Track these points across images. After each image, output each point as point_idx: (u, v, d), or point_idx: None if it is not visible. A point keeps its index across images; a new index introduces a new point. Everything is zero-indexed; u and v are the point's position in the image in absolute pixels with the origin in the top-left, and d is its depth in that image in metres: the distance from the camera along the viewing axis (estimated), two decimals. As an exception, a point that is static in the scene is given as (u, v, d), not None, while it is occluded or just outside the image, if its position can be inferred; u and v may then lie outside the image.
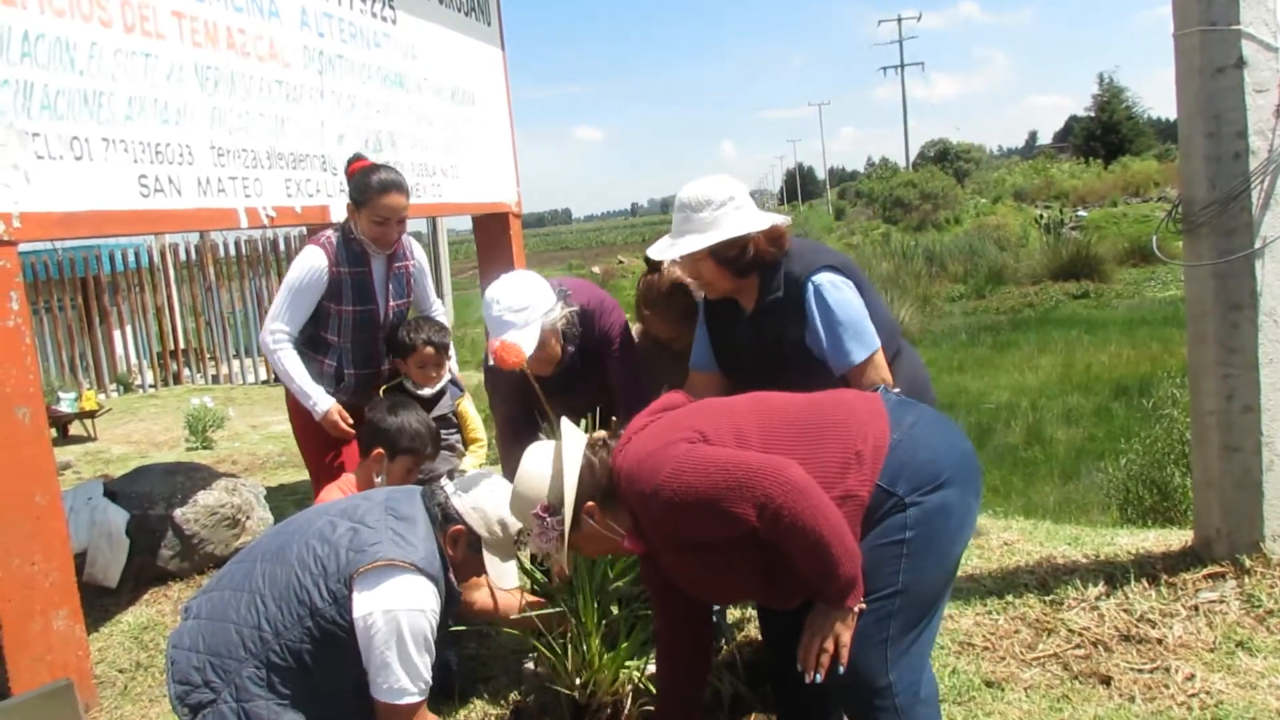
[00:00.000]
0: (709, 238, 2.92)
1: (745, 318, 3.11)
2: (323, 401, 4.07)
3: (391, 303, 4.29)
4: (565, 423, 2.56)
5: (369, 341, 4.25)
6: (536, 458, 2.52)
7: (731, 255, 2.97)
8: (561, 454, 2.46)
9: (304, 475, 4.39)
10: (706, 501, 2.20)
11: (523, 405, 3.67)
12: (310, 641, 2.49)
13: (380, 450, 3.48)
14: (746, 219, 2.95)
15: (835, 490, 2.25)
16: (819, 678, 2.27)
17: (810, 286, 2.96)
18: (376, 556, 2.52)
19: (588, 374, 3.56)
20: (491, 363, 3.29)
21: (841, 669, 2.26)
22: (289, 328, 4.04)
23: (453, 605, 2.75)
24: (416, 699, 2.52)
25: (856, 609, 2.26)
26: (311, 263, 4.04)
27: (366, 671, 2.50)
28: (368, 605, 2.48)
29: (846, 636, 2.26)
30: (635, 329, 3.79)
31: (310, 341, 4.16)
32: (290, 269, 4.09)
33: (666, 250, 3.03)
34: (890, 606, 2.29)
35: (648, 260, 3.57)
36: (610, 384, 3.65)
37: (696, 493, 2.20)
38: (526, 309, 3.28)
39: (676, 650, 2.76)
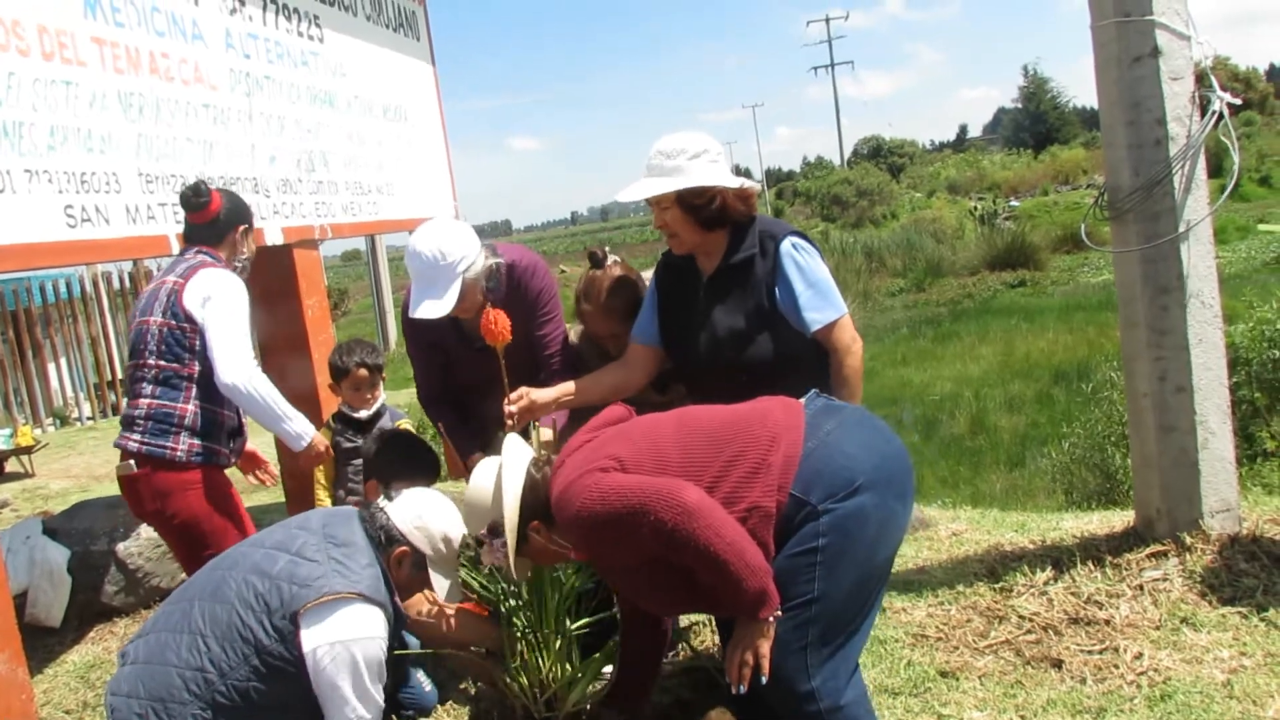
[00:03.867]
0: (677, 182, 2.96)
1: (703, 282, 3.13)
2: (309, 429, 3.58)
3: None
4: (510, 439, 2.55)
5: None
6: (484, 475, 2.52)
7: (698, 204, 3.00)
8: (495, 479, 2.48)
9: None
10: (609, 529, 2.25)
11: (441, 365, 3.66)
12: (258, 679, 2.45)
13: (375, 482, 3.45)
14: (718, 173, 3.00)
15: (742, 503, 2.27)
16: (743, 689, 2.28)
17: (788, 243, 3.04)
18: (322, 591, 2.47)
19: (517, 337, 3.34)
20: (412, 314, 3.23)
21: (763, 679, 2.27)
22: (254, 357, 3.49)
23: (400, 625, 2.72)
24: None
25: (771, 619, 2.27)
26: (241, 289, 3.55)
27: (320, 705, 2.48)
28: (317, 639, 2.45)
29: (765, 647, 2.27)
30: (574, 330, 3.76)
31: (206, 388, 3.50)
32: (230, 294, 3.50)
33: (631, 192, 3.04)
34: (806, 614, 2.30)
35: (592, 257, 3.57)
36: (536, 346, 3.58)
37: (600, 521, 2.24)
38: (449, 264, 3.23)
39: (637, 632, 2.84)
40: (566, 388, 3.30)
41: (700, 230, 3.06)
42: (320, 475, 4.16)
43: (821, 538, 2.28)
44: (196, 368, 3.47)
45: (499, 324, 3.09)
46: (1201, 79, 3.71)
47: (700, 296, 3.12)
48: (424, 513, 2.75)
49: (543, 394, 3.23)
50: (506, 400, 3.15)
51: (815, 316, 2.99)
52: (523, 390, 3.19)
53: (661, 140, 3.03)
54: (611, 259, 3.57)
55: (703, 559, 2.16)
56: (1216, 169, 3.88)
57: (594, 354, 3.66)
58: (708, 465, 2.32)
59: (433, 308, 3.20)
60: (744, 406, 2.54)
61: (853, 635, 2.39)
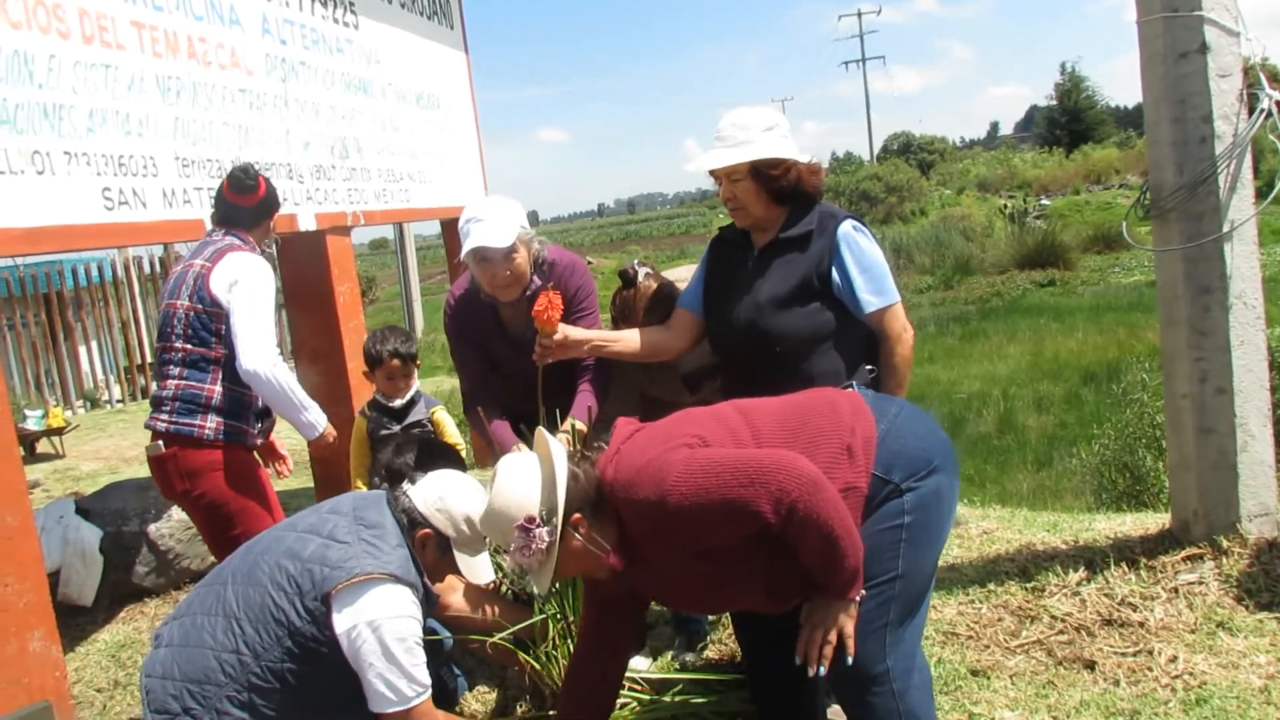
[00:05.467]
0: (752, 151, 2.94)
1: (755, 253, 3.11)
2: (322, 418, 3.64)
3: None
4: (541, 432, 2.46)
5: None
6: (516, 471, 2.37)
7: (773, 174, 2.97)
8: (549, 462, 2.35)
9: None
10: (720, 501, 2.15)
11: (484, 363, 3.63)
12: (292, 660, 2.46)
13: None
14: (790, 147, 2.98)
15: (837, 484, 2.25)
16: (823, 670, 2.26)
17: (848, 225, 3.02)
18: (353, 572, 2.47)
19: None
20: (471, 245, 3.25)
21: (849, 659, 2.26)
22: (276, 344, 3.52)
23: (430, 608, 2.71)
24: (417, 702, 2.49)
25: (857, 599, 2.27)
26: (268, 274, 3.58)
27: (361, 684, 2.47)
28: (350, 620, 2.45)
29: (850, 627, 2.26)
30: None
31: (232, 371, 3.50)
32: (257, 280, 3.52)
33: (706, 161, 3.01)
34: (890, 591, 2.31)
35: (623, 275, 3.52)
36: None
37: (708, 494, 2.15)
38: (508, 209, 3.30)
39: (591, 670, 2.66)
40: (604, 332, 3.33)
41: (769, 203, 3.04)
42: (355, 463, 4.17)
43: (906, 515, 2.32)
44: (223, 351, 3.49)
45: (552, 306, 3.10)
46: (1249, 76, 3.66)
47: (749, 266, 3.10)
48: (445, 494, 2.72)
49: (579, 332, 3.24)
50: (541, 334, 3.16)
51: (870, 299, 2.97)
52: (559, 325, 3.18)
53: (732, 113, 3.01)
54: (643, 272, 3.49)
55: (818, 533, 2.14)
56: (1255, 170, 3.82)
57: (633, 365, 3.59)
58: (787, 448, 2.28)
59: (491, 237, 3.22)
60: (801, 396, 2.53)
61: (917, 616, 2.41)
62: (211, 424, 3.49)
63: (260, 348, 3.40)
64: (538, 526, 2.28)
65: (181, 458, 3.50)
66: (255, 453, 3.76)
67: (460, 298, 3.56)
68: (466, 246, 3.26)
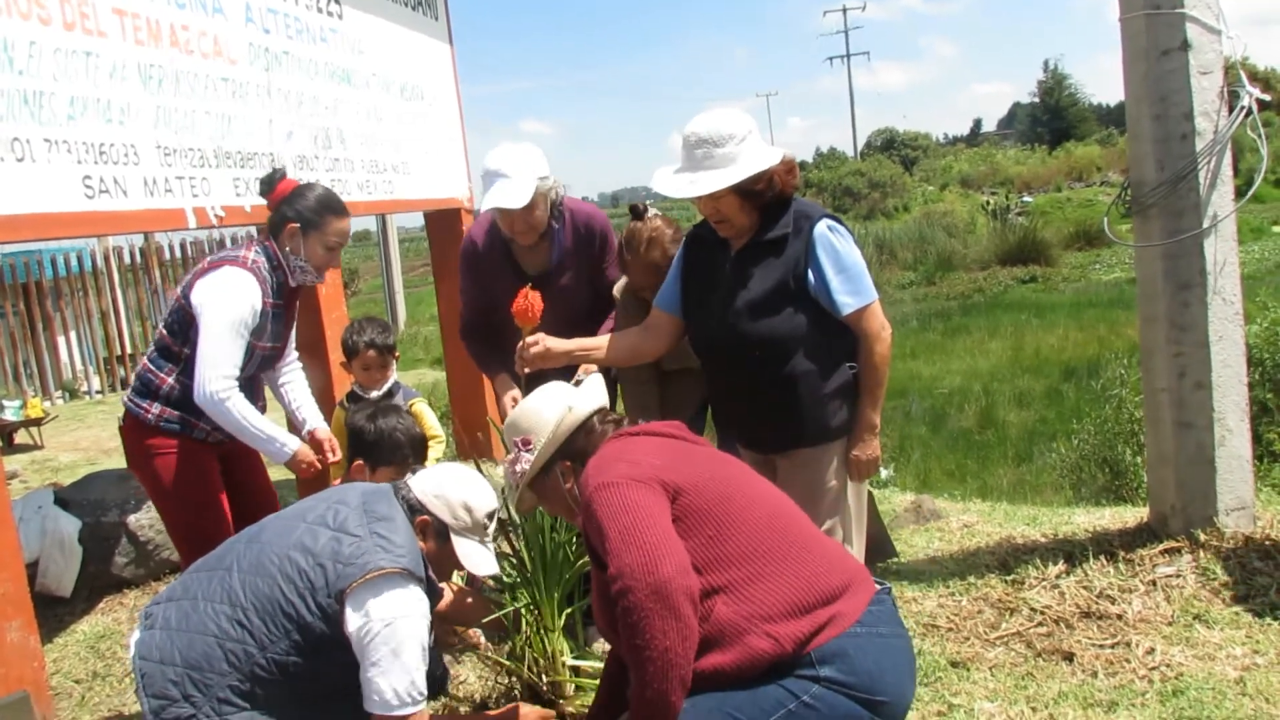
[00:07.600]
0: (735, 173, 2.88)
1: (731, 255, 3.10)
2: (290, 442, 3.45)
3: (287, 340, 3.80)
4: (595, 379, 2.58)
5: (253, 380, 3.60)
6: (549, 397, 2.49)
7: (758, 189, 2.94)
8: (566, 401, 2.45)
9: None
10: (598, 537, 2.13)
11: (486, 306, 3.80)
12: (298, 653, 2.43)
13: (360, 462, 3.38)
14: (764, 152, 2.94)
15: (770, 626, 2.08)
16: None
17: (824, 225, 2.99)
18: (367, 568, 2.44)
19: (578, 279, 3.76)
20: (487, 205, 3.48)
21: None
22: (235, 372, 3.32)
23: (435, 601, 2.70)
24: (413, 709, 2.44)
25: None
26: (252, 295, 3.37)
27: (361, 683, 2.44)
28: (363, 618, 2.42)
29: None
30: (619, 284, 3.82)
31: (191, 369, 3.39)
32: (224, 300, 3.33)
33: (688, 187, 2.93)
34: None
35: (633, 210, 3.61)
36: (604, 287, 3.86)
37: (601, 522, 2.12)
38: (529, 164, 3.45)
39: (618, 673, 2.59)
40: (584, 341, 3.33)
41: (752, 210, 3.01)
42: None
43: (806, 698, 2.06)
44: (187, 351, 3.42)
45: (532, 305, 3.16)
46: (1230, 73, 3.69)
47: (726, 269, 3.08)
48: (443, 481, 2.71)
49: (559, 343, 3.24)
50: (522, 344, 3.17)
51: (847, 300, 2.95)
52: (539, 336, 3.19)
53: (699, 124, 2.91)
54: (652, 212, 3.64)
55: (634, 640, 1.99)
56: (1235, 168, 3.86)
57: (634, 305, 3.70)
58: (749, 559, 2.14)
59: (509, 198, 3.39)
60: (832, 542, 2.36)
61: None
62: (156, 410, 3.46)
63: (205, 380, 3.27)
64: (525, 450, 2.39)
65: (131, 435, 3.54)
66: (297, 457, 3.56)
67: (480, 240, 3.77)
68: (485, 202, 3.48)
